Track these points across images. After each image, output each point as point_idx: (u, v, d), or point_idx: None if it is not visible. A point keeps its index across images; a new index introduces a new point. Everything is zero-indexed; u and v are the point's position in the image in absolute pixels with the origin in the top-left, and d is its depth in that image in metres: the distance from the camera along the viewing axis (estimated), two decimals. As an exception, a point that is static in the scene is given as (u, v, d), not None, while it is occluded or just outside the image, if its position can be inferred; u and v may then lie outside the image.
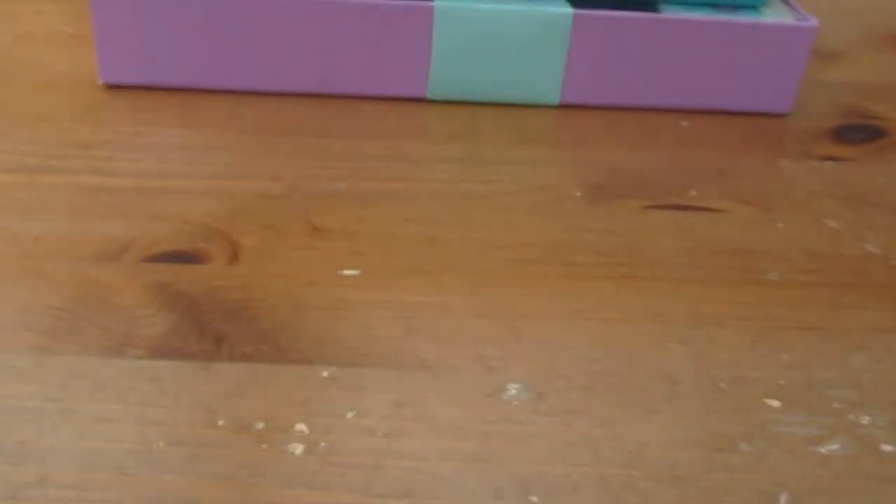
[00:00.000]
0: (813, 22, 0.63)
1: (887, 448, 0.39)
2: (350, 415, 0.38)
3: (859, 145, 0.62)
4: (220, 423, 0.38)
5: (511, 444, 0.38)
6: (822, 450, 0.39)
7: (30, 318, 0.42)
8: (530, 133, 0.60)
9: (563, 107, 0.64)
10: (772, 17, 0.64)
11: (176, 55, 0.61)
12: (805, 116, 0.65)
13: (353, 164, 0.55)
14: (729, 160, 0.58)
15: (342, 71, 0.62)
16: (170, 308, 0.44)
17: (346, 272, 0.47)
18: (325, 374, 0.40)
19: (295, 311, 0.44)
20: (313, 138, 0.58)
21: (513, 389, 0.40)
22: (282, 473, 0.36)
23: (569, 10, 0.61)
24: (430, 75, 0.62)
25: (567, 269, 0.48)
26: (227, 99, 0.62)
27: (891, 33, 0.79)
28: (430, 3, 0.60)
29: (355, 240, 0.49)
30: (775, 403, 0.41)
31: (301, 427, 0.38)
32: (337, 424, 0.38)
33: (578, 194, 0.54)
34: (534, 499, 0.35)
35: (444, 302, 0.45)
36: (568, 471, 0.37)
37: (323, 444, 0.37)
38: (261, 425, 0.38)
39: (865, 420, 0.40)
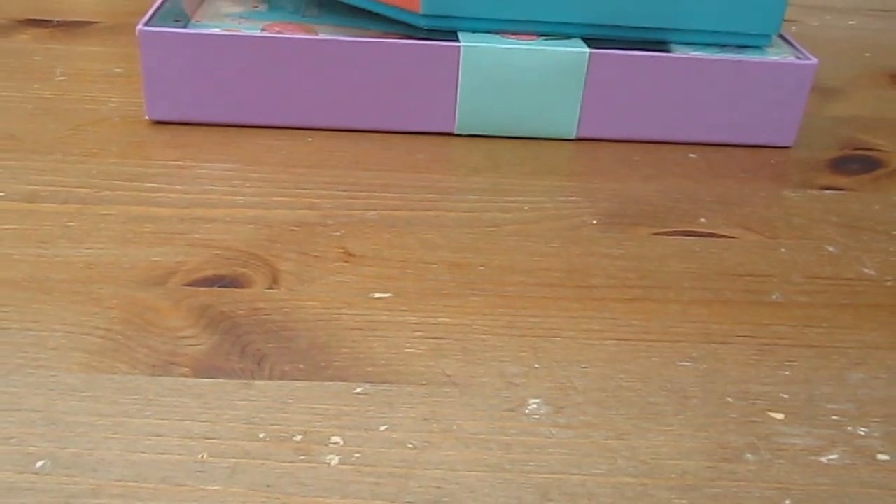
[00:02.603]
0: (813, 60, 0.63)
1: (883, 457, 0.39)
2: (382, 428, 0.39)
3: (857, 175, 0.62)
4: (261, 436, 0.38)
5: (532, 455, 0.38)
6: (823, 459, 0.39)
7: (81, 339, 0.43)
8: (548, 165, 0.60)
9: (579, 140, 0.64)
10: (775, 55, 0.64)
11: (218, 94, 0.62)
12: (806, 149, 0.65)
13: (384, 194, 0.56)
14: (735, 190, 0.59)
15: (374, 108, 0.63)
16: (212, 329, 0.44)
17: (378, 295, 0.47)
18: (358, 390, 0.41)
19: (331, 331, 0.44)
20: (346, 170, 0.58)
21: (533, 404, 0.41)
22: (318, 483, 0.36)
23: (585, 49, 0.61)
24: (457, 111, 0.63)
25: (583, 291, 0.48)
26: (266, 134, 0.62)
27: (887, 71, 0.80)
28: (457, 44, 0.61)
29: (386, 265, 0.49)
30: (779, 416, 0.41)
31: (336, 440, 0.38)
32: (370, 437, 0.38)
33: (594, 222, 0.54)
34: (553, 506, 0.36)
35: (470, 323, 0.45)
36: (584, 479, 0.37)
37: (357, 456, 0.37)
38: (298, 438, 0.38)
39: (862, 431, 0.40)
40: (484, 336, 0.45)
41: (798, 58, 0.64)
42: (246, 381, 0.41)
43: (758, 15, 0.64)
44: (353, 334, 0.44)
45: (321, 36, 0.62)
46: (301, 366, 0.42)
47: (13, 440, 0.37)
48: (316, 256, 0.49)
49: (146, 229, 0.51)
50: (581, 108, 0.63)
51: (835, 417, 0.41)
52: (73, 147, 0.59)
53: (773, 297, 0.49)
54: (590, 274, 0.50)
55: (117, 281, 0.47)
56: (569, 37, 0.64)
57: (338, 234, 0.52)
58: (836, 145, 0.66)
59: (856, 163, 0.64)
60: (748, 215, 0.56)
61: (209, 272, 0.48)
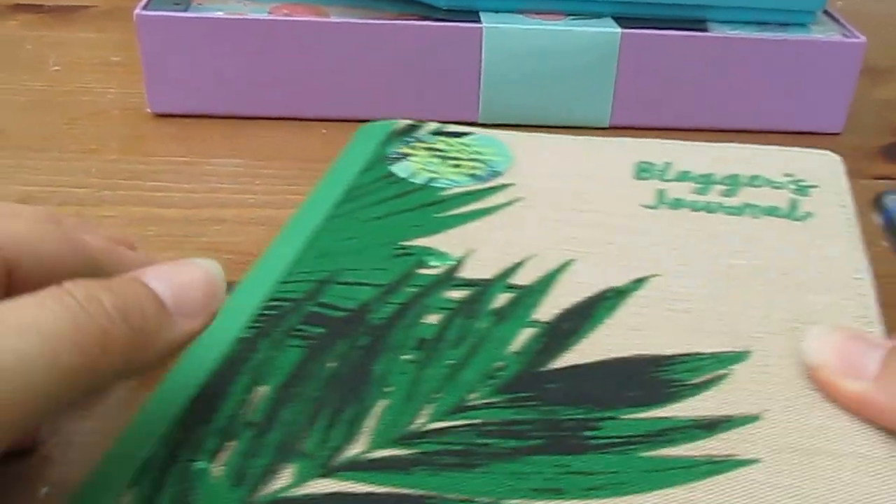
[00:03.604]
0: (862, 39, 0.60)
1: None
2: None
3: (912, 163, 0.58)
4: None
5: None
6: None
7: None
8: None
9: (613, 128, 0.60)
10: (820, 34, 0.60)
11: (223, 83, 0.59)
12: (856, 135, 0.62)
13: (405, 190, 0.52)
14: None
15: (391, 95, 0.60)
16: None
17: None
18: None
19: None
20: (364, 164, 0.54)
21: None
22: None
23: (616, 29, 0.58)
24: (480, 98, 0.59)
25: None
26: (277, 126, 0.59)
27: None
28: (479, 25, 0.57)
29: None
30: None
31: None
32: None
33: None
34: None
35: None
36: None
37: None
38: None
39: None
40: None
41: (846, 36, 0.60)
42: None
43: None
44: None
45: (333, 18, 0.58)
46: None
47: None
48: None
49: (150, 232, 0.48)
50: (614, 93, 0.60)
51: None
52: (70, 143, 0.56)
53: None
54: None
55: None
56: (599, 16, 0.60)
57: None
58: (888, 131, 0.63)
59: (910, 150, 0.61)
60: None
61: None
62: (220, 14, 0.58)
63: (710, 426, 0.35)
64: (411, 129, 0.55)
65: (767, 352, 0.38)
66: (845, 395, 0.35)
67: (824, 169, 0.52)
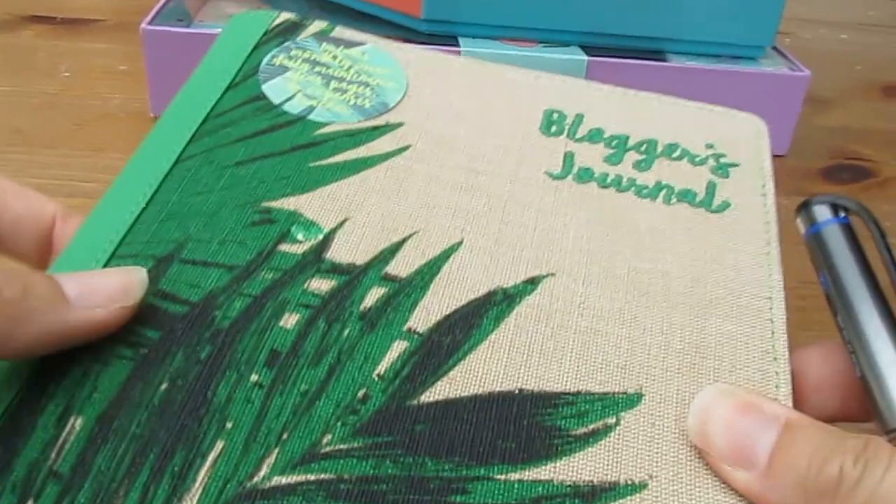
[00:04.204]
0: (806, 72, 0.64)
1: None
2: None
3: (848, 184, 0.62)
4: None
5: None
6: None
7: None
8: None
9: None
10: (769, 67, 0.64)
11: None
12: (799, 158, 0.65)
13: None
14: (728, 197, 0.58)
15: None
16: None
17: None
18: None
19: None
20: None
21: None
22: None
23: (583, 56, 0.62)
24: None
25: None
26: None
27: (877, 83, 0.80)
28: (457, 49, 0.61)
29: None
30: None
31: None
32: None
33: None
34: None
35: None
36: None
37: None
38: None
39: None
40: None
41: (791, 69, 0.64)
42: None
43: (752, 27, 0.64)
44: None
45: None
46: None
47: None
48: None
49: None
50: (578, 114, 0.62)
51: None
52: (79, 142, 0.59)
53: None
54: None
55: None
56: (567, 44, 0.64)
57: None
58: (827, 155, 0.67)
59: (847, 172, 0.64)
60: (741, 222, 0.56)
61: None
62: (218, 30, 0.59)
63: (591, 496, 0.30)
64: (294, 28, 0.45)
65: (659, 396, 0.33)
66: (733, 484, 0.30)
67: (749, 143, 0.45)
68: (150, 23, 0.61)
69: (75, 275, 0.30)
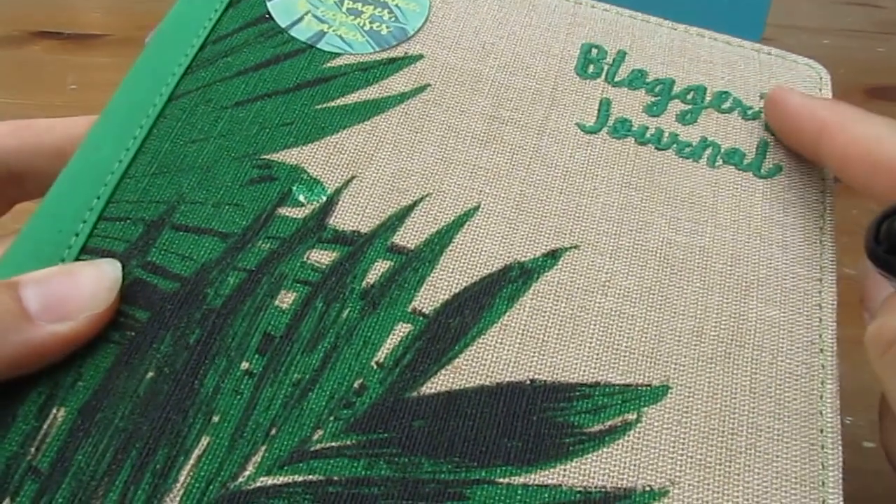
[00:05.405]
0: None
1: (868, 444, 0.39)
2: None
3: (835, 183, 0.63)
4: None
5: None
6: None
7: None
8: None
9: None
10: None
11: None
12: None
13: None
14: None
15: None
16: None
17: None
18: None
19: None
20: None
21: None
22: None
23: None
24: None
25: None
26: None
27: (860, 87, 0.81)
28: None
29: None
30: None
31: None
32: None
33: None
34: None
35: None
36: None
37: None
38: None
39: (848, 420, 0.41)
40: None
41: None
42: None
43: (736, 33, 0.65)
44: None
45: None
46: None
47: None
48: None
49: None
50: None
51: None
52: None
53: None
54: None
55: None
56: None
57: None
58: None
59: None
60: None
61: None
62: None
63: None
64: None
65: (688, 390, 0.29)
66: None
67: (809, 94, 0.40)
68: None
69: (36, 280, 0.28)
